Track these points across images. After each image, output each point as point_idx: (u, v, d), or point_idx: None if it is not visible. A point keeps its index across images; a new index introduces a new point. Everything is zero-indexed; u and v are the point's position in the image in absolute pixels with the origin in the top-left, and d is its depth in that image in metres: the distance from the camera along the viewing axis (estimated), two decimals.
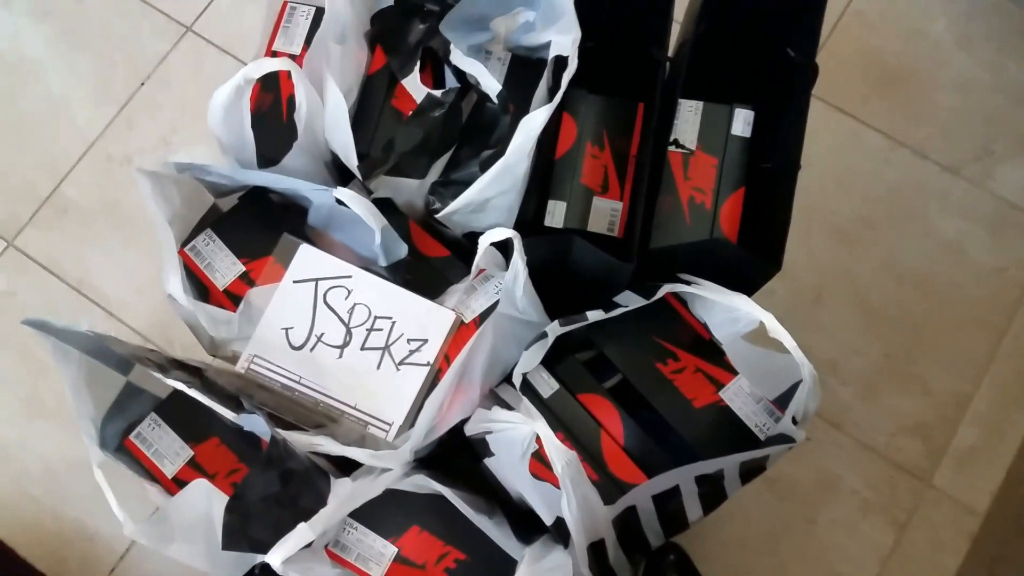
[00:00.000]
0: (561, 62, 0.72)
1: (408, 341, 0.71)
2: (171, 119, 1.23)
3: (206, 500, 0.64)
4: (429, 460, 0.74)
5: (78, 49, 1.27)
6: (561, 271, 0.74)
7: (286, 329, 0.72)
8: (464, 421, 0.70)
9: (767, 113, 0.79)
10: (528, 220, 0.76)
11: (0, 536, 1.06)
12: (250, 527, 0.62)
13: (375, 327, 0.72)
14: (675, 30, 0.80)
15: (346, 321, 0.72)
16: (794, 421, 0.66)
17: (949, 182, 1.15)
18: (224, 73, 0.86)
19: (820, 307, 1.10)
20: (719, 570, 1.00)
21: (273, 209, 0.77)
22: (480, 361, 0.68)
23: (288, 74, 0.68)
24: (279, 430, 0.64)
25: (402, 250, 0.73)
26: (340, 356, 0.71)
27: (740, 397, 0.70)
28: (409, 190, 0.76)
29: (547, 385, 0.71)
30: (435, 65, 0.82)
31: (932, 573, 1.02)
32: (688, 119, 0.79)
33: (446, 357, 0.71)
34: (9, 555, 1.05)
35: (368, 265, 0.74)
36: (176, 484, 0.71)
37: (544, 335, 0.69)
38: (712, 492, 0.68)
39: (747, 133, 0.79)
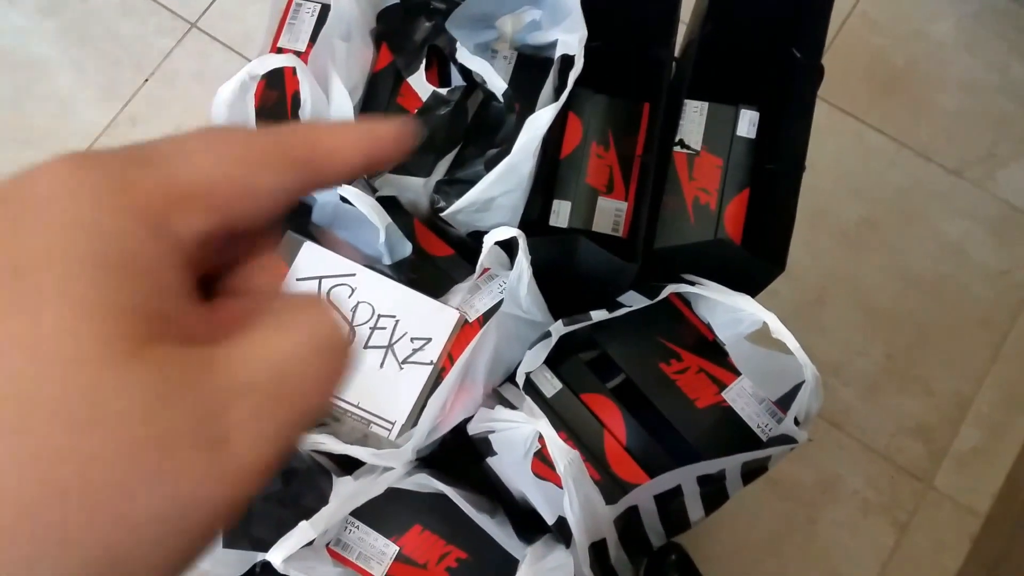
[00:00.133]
0: (567, 61, 0.72)
1: (411, 340, 0.71)
2: (175, 116, 1.23)
3: None
4: (431, 459, 0.74)
5: (83, 46, 1.27)
6: (565, 271, 0.74)
7: None
8: (467, 420, 0.70)
9: (772, 114, 0.79)
10: (533, 219, 0.76)
11: None
12: (251, 525, 0.62)
13: (378, 325, 0.72)
14: (681, 30, 0.80)
15: (349, 319, 0.72)
16: (796, 422, 0.66)
17: (953, 184, 1.15)
18: (228, 70, 0.86)
19: (823, 308, 1.10)
20: (720, 570, 1.00)
21: None
22: (483, 360, 0.68)
23: (293, 71, 0.68)
24: None
25: (407, 249, 0.73)
26: None
27: (743, 398, 0.70)
28: (414, 188, 0.76)
29: (550, 385, 0.71)
30: (441, 63, 0.82)
31: (933, 574, 1.02)
32: (693, 119, 0.79)
33: (449, 356, 0.71)
34: None
35: (372, 263, 0.74)
36: None
37: (548, 335, 0.69)
38: (714, 492, 0.68)
39: (752, 134, 0.78)
